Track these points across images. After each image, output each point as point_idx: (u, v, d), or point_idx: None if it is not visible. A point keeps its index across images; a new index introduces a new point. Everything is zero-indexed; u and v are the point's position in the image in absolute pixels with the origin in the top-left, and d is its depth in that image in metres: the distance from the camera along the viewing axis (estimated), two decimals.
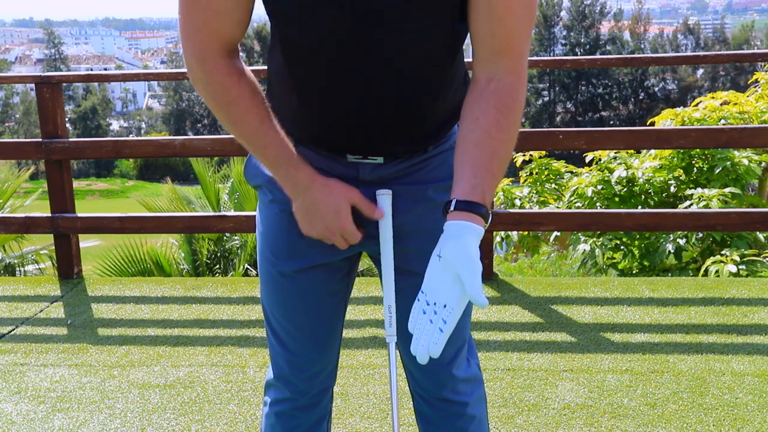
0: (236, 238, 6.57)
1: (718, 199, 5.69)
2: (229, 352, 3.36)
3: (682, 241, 5.81)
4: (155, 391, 3.02)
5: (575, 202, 6.52)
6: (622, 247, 6.37)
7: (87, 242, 6.68)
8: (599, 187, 6.45)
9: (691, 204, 5.83)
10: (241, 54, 1.45)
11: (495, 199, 6.41)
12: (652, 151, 6.66)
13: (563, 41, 64.48)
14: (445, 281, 1.27)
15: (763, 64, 8.57)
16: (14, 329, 3.70)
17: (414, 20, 1.33)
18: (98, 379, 3.15)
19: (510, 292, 3.93)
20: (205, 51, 1.38)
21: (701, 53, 4.71)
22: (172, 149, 4.34)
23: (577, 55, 59.62)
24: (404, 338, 1.53)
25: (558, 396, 2.87)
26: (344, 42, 1.34)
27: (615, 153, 6.79)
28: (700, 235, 5.94)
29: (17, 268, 6.59)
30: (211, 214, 5.39)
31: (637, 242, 6.27)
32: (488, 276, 4.10)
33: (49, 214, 4.38)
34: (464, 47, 1.47)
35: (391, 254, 1.49)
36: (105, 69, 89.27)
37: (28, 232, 4.74)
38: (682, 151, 6.37)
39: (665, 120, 6.89)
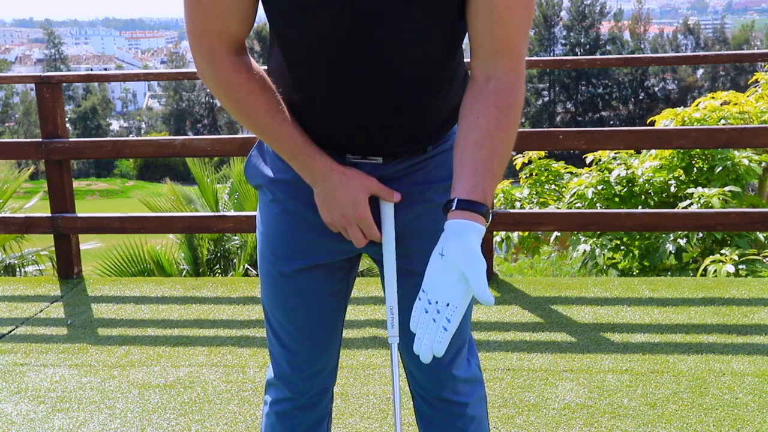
0: (236, 238, 6.57)
1: (719, 198, 5.69)
2: (229, 352, 3.36)
3: (682, 242, 5.81)
4: (155, 391, 3.02)
5: (575, 203, 6.52)
6: (622, 248, 6.37)
7: (87, 244, 6.67)
8: (599, 187, 6.45)
9: (691, 203, 5.83)
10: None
11: (495, 201, 6.42)
12: (653, 151, 6.66)
13: (563, 41, 64.47)
14: (447, 279, 1.27)
15: (763, 64, 8.57)
16: (14, 329, 3.70)
17: (414, 20, 1.33)
18: (98, 379, 3.15)
19: (510, 292, 3.93)
20: (213, 51, 1.38)
21: (701, 53, 4.71)
22: (172, 149, 4.34)
23: (577, 55, 59.63)
24: (405, 338, 1.54)
25: (558, 396, 2.87)
26: (344, 42, 1.34)
27: (615, 153, 6.79)
28: (701, 235, 5.94)
29: (17, 269, 6.59)
30: (211, 214, 5.39)
31: (637, 242, 6.27)
32: (488, 276, 4.10)
33: (49, 214, 4.38)
34: (464, 47, 1.47)
35: (393, 255, 1.49)
36: (105, 69, 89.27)
37: (28, 232, 4.74)
38: (682, 151, 6.37)
39: (666, 119, 6.89)
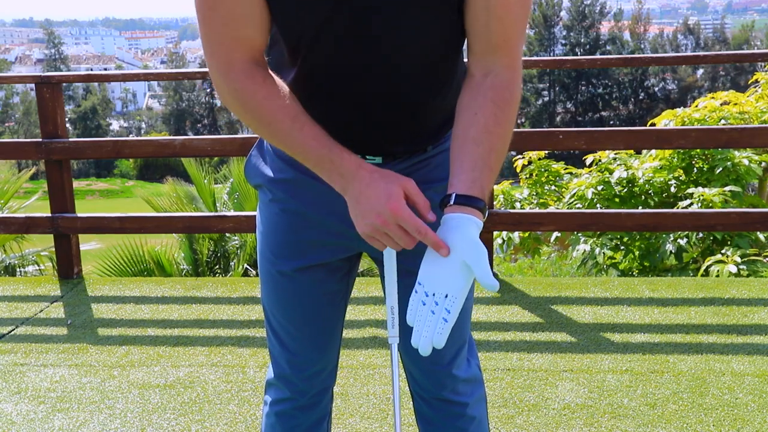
0: (236, 238, 6.57)
1: (719, 198, 5.69)
2: (229, 352, 3.36)
3: (682, 242, 5.81)
4: (155, 391, 3.02)
5: (575, 204, 6.52)
6: (622, 248, 6.37)
7: (87, 244, 6.67)
8: (599, 188, 6.45)
9: (691, 203, 5.83)
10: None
11: (495, 201, 6.42)
12: (653, 152, 6.66)
13: (563, 41, 64.45)
14: (446, 270, 1.28)
15: (763, 64, 8.57)
16: (14, 329, 3.70)
17: (412, 16, 1.33)
18: (98, 379, 3.15)
19: (510, 292, 3.93)
20: (230, 60, 1.36)
21: (701, 53, 4.72)
22: (172, 149, 4.34)
23: (577, 55, 59.62)
24: (405, 338, 1.54)
25: (558, 396, 2.87)
26: (342, 38, 1.34)
27: (615, 154, 6.79)
28: (701, 235, 5.94)
29: (17, 269, 6.59)
30: (211, 214, 5.40)
31: (637, 242, 6.26)
32: None
33: (49, 214, 4.38)
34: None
35: (393, 255, 1.49)
36: (105, 69, 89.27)
37: (28, 232, 4.74)
38: (682, 151, 6.37)
39: (665, 119, 6.89)
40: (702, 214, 4.29)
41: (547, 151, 7.43)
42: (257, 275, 1.93)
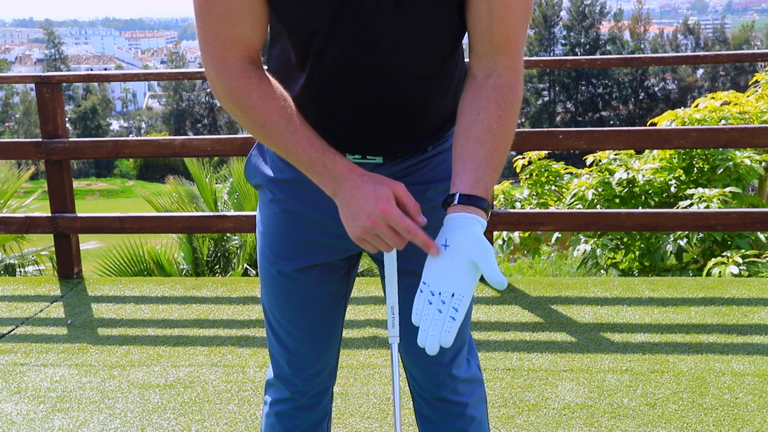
0: (236, 238, 6.57)
1: (719, 199, 5.69)
2: (229, 352, 3.36)
3: (682, 242, 5.81)
4: (155, 391, 3.02)
5: (576, 205, 6.52)
6: (622, 247, 6.37)
7: (87, 244, 6.67)
8: (600, 189, 6.45)
9: (692, 203, 5.83)
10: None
11: (495, 202, 6.42)
12: (654, 152, 6.65)
13: (563, 41, 64.46)
14: (453, 269, 1.28)
15: (763, 64, 8.58)
16: (14, 329, 3.70)
17: (413, 17, 1.33)
18: (98, 379, 3.15)
19: (510, 292, 3.93)
20: (224, 58, 1.35)
21: (701, 53, 4.71)
22: (172, 149, 4.34)
23: (577, 55, 59.64)
24: (405, 338, 1.53)
25: (558, 396, 2.87)
26: (343, 40, 1.34)
27: (615, 154, 6.78)
28: (701, 235, 5.94)
29: (17, 269, 6.59)
30: (211, 214, 5.39)
31: (637, 242, 6.26)
32: None
33: (49, 214, 4.38)
34: (463, 46, 1.48)
35: (394, 254, 1.49)
36: (105, 69, 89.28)
37: (28, 232, 4.74)
38: (682, 151, 6.36)
39: (666, 121, 6.88)
40: (702, 214, 4.29)
41: (547, 151, 7.43)
42: (257, 275, 1.93)
